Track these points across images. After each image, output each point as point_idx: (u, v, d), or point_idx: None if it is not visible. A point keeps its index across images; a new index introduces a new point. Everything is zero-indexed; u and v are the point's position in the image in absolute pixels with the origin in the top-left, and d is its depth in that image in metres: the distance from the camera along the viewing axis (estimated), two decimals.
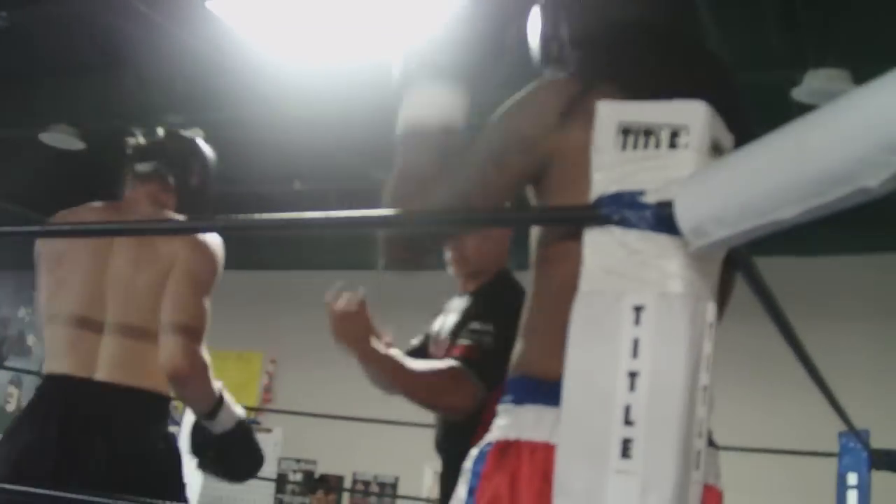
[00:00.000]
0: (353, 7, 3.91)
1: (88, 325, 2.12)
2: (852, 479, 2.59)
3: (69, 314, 2.13)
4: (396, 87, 1.26)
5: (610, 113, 0.84)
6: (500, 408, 1.21)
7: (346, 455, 7.01)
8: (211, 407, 2.13)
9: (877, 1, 3.71)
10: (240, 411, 2.21)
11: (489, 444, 1.20)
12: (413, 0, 2.15)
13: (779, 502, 5.83)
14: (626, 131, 0.83)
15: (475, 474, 1.19)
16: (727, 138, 0.86)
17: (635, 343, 0.77)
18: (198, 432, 2.22)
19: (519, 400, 1.19)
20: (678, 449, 0.76)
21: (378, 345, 2.13)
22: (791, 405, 5.12)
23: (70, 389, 2.07)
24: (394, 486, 7.30)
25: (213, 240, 2.20)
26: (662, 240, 0.78)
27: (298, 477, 7.34)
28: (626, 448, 0.76)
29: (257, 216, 1.13)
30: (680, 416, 0.76)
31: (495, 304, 2.22)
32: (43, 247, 2.22)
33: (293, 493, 7.46)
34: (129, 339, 2.10)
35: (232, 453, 2.22)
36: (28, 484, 1.84)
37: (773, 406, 5.68)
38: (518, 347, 1.24)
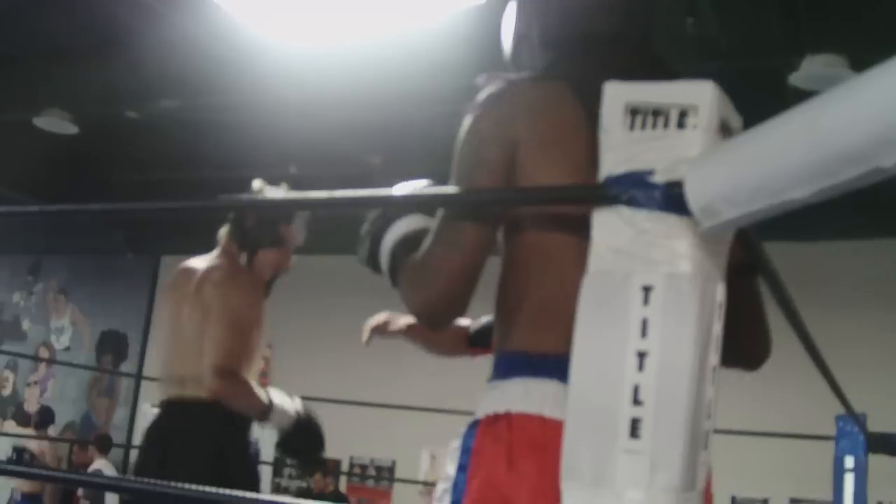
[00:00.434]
0: None
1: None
2: (849, 462, 2.60)
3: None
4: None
5: (618, 93, 0.84)
6: (487, 386, 1.22)
7: (343, 439, 7.00)
8: (262, 414, 2.53)
9: None
10: (294, 408, 2.60)
11: (476, 420, 1.20)
12: None
13: (776, 485, 5.87)
14: (634, 111, 0.82)
15: (465, 451, 1.19)
16: (735, 119, 0.85)
17: (644, 323, 0.77)
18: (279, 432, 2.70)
19: (504, 374, 1.20)
20: (686, 429, 0.76)
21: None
22: (789, 388, 5.13)
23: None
24: (391, 469, 7.32)
25: (246, 277, 2.62)
26: (671, 220, 0.77)
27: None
28: (634, 428, 0.76)
29: (253, 199, 1.13)
30: (688, 396, 0.76)
31: None
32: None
33: (290, 476, 7.47)
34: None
35: (294, 443, 2.66)
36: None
37: (771, 389, 5.69)
38: (497, 330, 1.26)
